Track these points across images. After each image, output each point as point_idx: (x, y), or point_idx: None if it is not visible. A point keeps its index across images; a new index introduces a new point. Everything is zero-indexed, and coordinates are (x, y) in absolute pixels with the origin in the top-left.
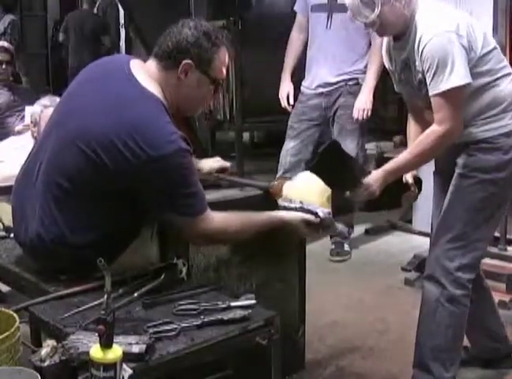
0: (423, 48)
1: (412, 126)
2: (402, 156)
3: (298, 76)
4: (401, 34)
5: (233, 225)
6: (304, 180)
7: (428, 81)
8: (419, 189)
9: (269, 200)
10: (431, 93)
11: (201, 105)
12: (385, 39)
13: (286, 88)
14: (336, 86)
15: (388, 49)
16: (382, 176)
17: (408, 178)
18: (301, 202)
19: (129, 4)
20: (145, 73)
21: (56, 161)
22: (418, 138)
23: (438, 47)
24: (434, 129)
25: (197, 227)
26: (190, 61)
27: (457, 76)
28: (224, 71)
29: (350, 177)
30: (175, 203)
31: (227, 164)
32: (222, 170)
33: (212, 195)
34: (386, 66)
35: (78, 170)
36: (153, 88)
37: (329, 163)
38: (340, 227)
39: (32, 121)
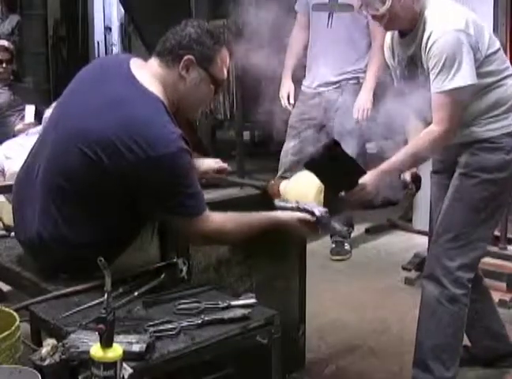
0: (432, 45)
1: (411, 122)
2: (398, 156)
3: (298, 75)
4: (408, 30)
5: (231, 226)
6: (301, 180)
7: (432, 79)
8: (418, 188)
9: (265, 199)
10: (433, 91)
11: (201, 106)
12: (388, 35)
13: (286, 87)
14: (336, 85)
15: (391, 44)
16: (378, 176)
17: (406, 176)
18: (297, 202)
19: (130, 4)
20: (146, 72)
21: (56, 161)
22: (415, 138)
23: (448, 45)
24: (432, 130)
25: (196, 227)
26: (191, 57)
27: (462, 76)
28: (225, 71)
29: (347, 177)
30: (174, 203)
31: (226, 166)
32: (220, 171)
33: (210, 194)
34: (388, 62)
35: (78, 171)
36: (154, 87)
37: (327, 162)
38: (338, 225)
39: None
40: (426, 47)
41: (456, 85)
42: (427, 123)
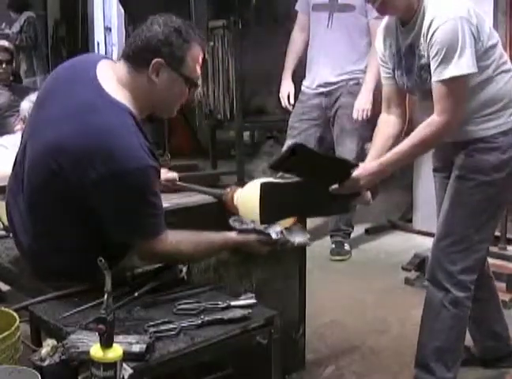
0: (434, 32)
1: (381, 126)
2: (397, 148)
3: (298, 75)
4: (406, 17)
5: (187, 247)
6: (253, 189)
7: (434, 67)
8: (374, 194)
9: (221, 208)
10: (434, 79)
11: (175, 106)
12: (383, 24)
13: (287, 87)
14: (336, 86)
15: (384, 33)
16: (374, 169)
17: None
18: (253, 222)
19: (129, 4)
20: (113, 77)
21: (31, 172)
22: (416, 129)
23: (450, 32)
24: (434, 120)
25: (152, 247)
26: (160, 60)
27: (465, 64)
28: (198, 69)
29: (336, 172)
30: (134, 222)
31: (174, 176)
32: (169, 180)
33: (168, 202)
34: (377, 50)
35: (49, 184)
36: (121, 94)
37: (302, 162)
38: (299, 238)
39: (22, 119)
40: (427, 34)
41: (459, 73)
42: (399, 116)
